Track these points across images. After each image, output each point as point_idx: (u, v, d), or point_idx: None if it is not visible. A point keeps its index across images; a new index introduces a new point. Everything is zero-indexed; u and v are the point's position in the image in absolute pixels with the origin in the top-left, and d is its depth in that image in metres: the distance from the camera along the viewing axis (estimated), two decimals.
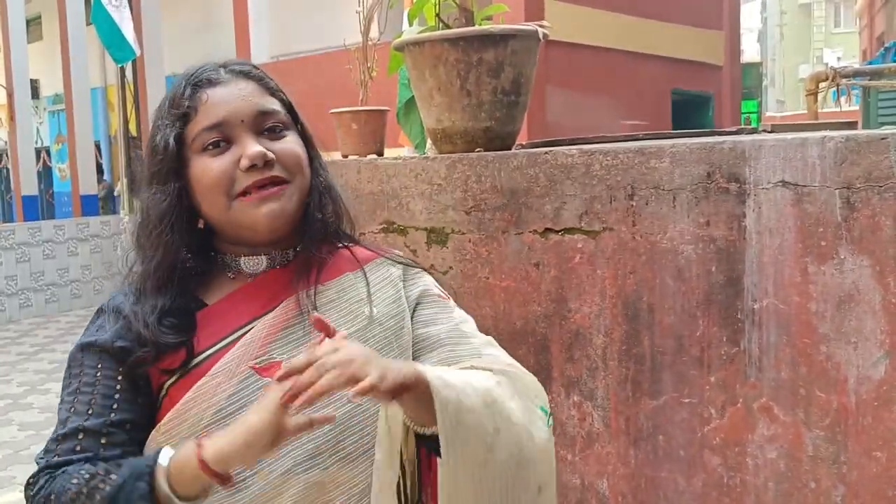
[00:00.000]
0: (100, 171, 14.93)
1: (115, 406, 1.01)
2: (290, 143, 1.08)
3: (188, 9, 14.70)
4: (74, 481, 0.94)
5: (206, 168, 1.04)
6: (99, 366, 1.04)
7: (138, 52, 7.94)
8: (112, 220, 10.08)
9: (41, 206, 17.62)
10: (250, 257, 1.10)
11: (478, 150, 1.93)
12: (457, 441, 0.92)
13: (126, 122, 10.98)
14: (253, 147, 1.03)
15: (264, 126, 1.07)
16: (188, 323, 1.05)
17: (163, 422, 1.03)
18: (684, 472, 1.62)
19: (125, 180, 8.70)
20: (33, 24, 17.57)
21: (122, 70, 10.42)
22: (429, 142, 2.79)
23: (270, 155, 1.04)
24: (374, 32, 2.84)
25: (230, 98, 1.05)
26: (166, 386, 1.04)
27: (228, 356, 1.03)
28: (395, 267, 1.18)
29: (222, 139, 1.05)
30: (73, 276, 9.82)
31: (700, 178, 1.55)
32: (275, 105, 1.09)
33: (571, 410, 1.76)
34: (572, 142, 2.21)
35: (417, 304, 1.17)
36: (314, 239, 1.11)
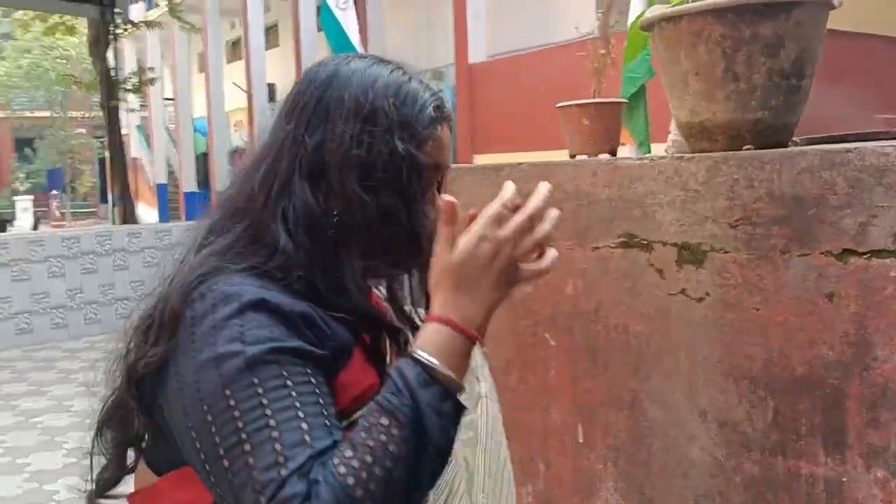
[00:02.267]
0: None
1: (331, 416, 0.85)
2: None
3: (411, 9, 15.08)
4: (347, 455, 0.77)
5: (436, 204, 0.97)
6: (308, 371, 0.84)
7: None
8: None
9: None
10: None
11: (746, 147, 1.55)
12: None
13: None
14: (443, 198, 0.88)
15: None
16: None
17: None
18: None
19: None
20: (271, 31, 18.91)
21: None
22: (670, 140, 2.42)
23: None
24: (609, 20, 2.51)
25: (449, 144, 0.99)
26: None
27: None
28: None
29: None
30: None
31: None
32: None
33: (873, 489, 1.34)
34: (843, 138, 1.77)
35: None
36: None
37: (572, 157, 2.29)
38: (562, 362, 1.84)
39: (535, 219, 0.85)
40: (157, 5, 18.00)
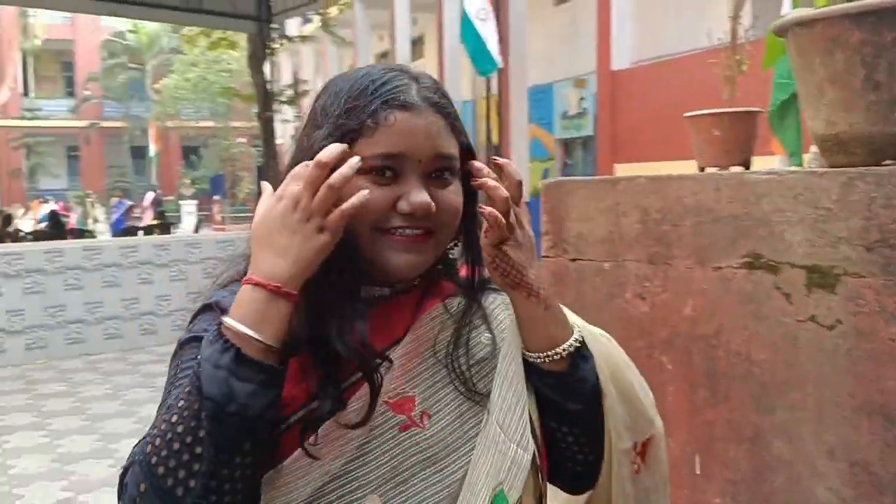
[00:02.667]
0: None
1: None
2: (453, 194, 0.95)
3: (553, 19, 14.99)
4: (153, 432, 0.81)
5: (368, 193, 0.86)
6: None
7: (500, 65, 8.14)
8: None
9: None
10: (372, 287, 0.97)
11: (887, 162, 1.41)
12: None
13: (489, 132, 11.47)
14: (420, 195, 0.90)
15: (435, 168, 0.93)
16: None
17: (295, 456, 0.88)
18: None
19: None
20: (417, 43, 19.35)
21: (488, 82, 10.89)
22: (811, 152, 2.26)
23: (433, 207, 0.91)
24: (747, 23, 2.37)
25: (417, 131, 0.91)
26: (291, 421, 0.89)
27: (363, 391, 0.90)
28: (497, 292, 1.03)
29: (391, 169, 0.91)
30: None
31: None
32: (453, 148, 0.95)
33: None
34: None
35: None
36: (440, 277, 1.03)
37: (701, 170, 2.18)
38: (679, 388, 1.74)
39: (325, 168, 0.83)
40: (311, 21, 18.84)
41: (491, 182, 0.92)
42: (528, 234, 0.97)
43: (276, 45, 14.02)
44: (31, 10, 30.58)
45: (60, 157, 35.65)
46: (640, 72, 11.51)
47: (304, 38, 15.63)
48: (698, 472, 1.70)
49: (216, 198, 30.71)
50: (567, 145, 15.52)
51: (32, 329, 7.29)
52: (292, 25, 19.98)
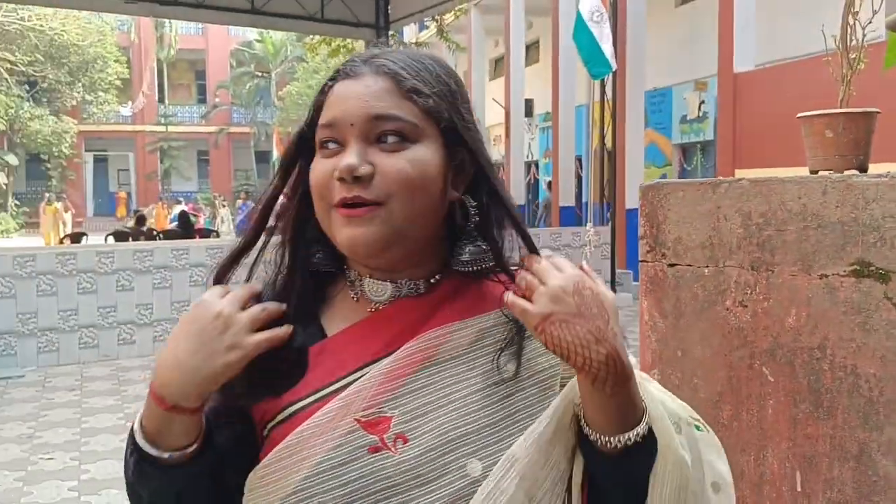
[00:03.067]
0: (579, 184, 15.68)
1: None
2: (401, 160, 0.86)
3: (673, 21, 14.62)
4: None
5: (313, 168, 0.90)
6: None
7: (614, 67, 8.01)
8: (582, 231, 10.41)
9: (528, 215, 19.24)
10: (373, 280, 0.92)
11: None
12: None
13: (603, 136, 11.30)
14: (347, 158, 0.86)
15: (378, 132, 0.87)
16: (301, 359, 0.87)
17: (257, 468, 0.87)
18: None
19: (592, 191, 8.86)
20: (532, 48, 19.29)
21: (602, 86, 10.73)
22: None
23: (362, 170, 0.85)
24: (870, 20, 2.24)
25: (349, 96, 0.88)
26: (269, 426, 0.89)
27: (332, 405, 0.86)
28: None
29: (334, 140, 0.88)
30: None
31: None
32: (400, 111, 0.87)
33: None
34: None
35: None
36: (459, 271, 0.92)
37: (813, 173, 2.07)
38: (780, 401, 1.66)
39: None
40: (427, 27, 19.13)
41: (520, 303, 0.79)
42: (595, 295, 0.78)
43: None
44: (166, 22, 32.45)
45: (191, 161, 37.64)
46: (764, 74, 11.05)
47: (418, 45, 15.87)
48: (799, 489, 1.62)
49: None
50: (685, 150, 15.09)
51: (160, 322, 7.72)
52: (409, 32, 20.33)
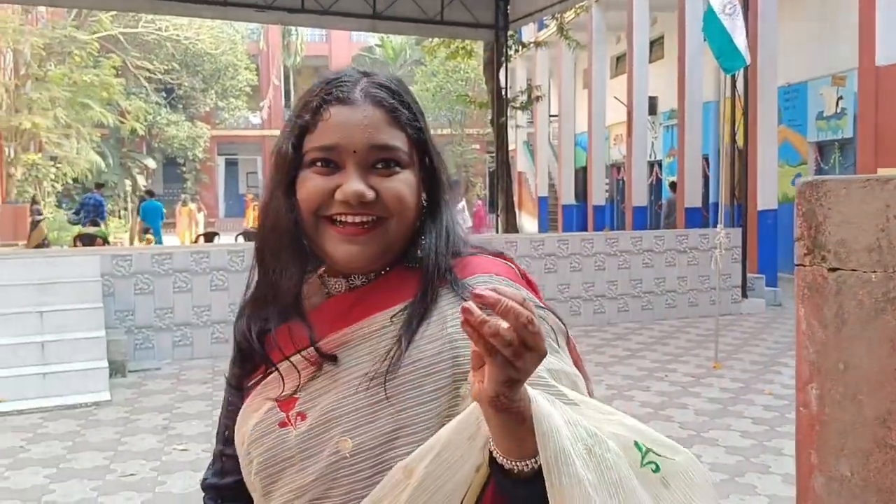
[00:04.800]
0: (706, 184, 15.11)
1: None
2: (398, 183, 0.98)
3: (807, 15, 13.87)
4: None
5: (306, 182, 0.99)
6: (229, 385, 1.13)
7: (748, 61, 7.62)
8: (710, 233, 9.99)
9: (649, 217, 18.72)
10: (329, 278, 1.05)
11: None
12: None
13: (734, 133, 10.82)
14: (353, 184, 0.96)
15: (376, 160, 0.98)
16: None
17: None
18: None
19: (723, 192, 8.46)
20: (656, 44, 18.76)
21: (734, 82, 10.27)
22: None
23: (370, 195, 0.96)
24: None
25: (349, 124, 0.97)
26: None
27: (265, 383, 1.02)
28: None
29: (332, 161, 0.98)
30: (669, 286, 10.03)
31: None
32: (396, 140, 0.99)
33: None
34: None
35: None
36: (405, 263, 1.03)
37: None
38: None
39: None
40: (547, 26, 18.95)
41: (468, 332, 0.72)
42: (531, 334, 0.72)
43: (511, 52, 14.23)
44: (293, 30, 33.61)
45: None
46: None
47: (538, 44, 15.73)
48: None
49: None
50: (822, 149, 14.29)
51: None
52: (528, 31, 20.20)
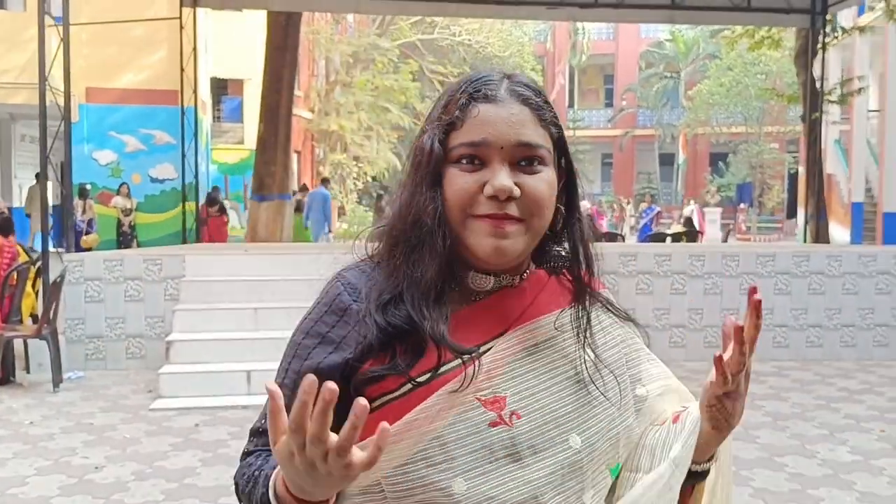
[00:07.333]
0: None
1: None
2: (541, 182, 1.01)
3: None
4: (243, 475, 1.01)
5: (454, 180, 1.01)
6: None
7: None
8: None
9: None
10: (478, 274, 1.05)
11: None
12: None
13: None
14: (502, 179, 0.98)
15: (521, 157, 1.01)
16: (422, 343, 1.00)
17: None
18: None
19: None
20: None
21: None
22: None
23: (516, 191, 0.99)
24: None
25: (498, 121, 1.01)
26: (384, 399, 0.98)
27: (450, 385, 0.97)
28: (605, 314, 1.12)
29: (478, 157, 1.01)
30: None
31: None
32: (541, 139, 1.03)
33: None
34: None
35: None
36: (541, 267, 1.11)
37: None
38: None
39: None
40: (871, 8, 16.66)
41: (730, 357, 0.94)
42: (747, 383, 0.99)
43: (828, 40, 12.63)
44: (580, 29, 33.35)
45: (596, 164, 38.40)
46: None
47: (861, 30, 13.79)
48: None
49: (742, 206, 29.65)
50: None
51: None
52: (847, 15, 17.99)
